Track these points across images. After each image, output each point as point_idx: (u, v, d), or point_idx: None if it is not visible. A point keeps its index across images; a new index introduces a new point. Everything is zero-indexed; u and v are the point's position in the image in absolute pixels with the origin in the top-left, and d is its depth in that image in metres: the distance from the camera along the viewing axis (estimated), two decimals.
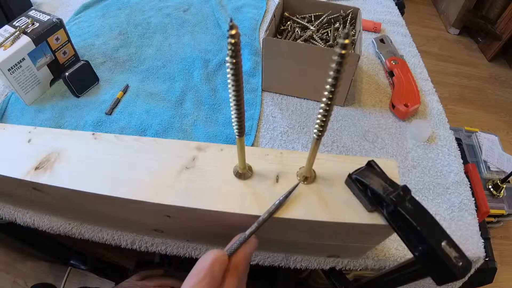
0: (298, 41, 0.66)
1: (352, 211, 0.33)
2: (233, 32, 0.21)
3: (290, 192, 0.33)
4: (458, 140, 0.63)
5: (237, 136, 0.30)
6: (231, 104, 0.27)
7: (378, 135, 0.61)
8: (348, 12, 0.69)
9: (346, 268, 0.48)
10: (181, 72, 0.70)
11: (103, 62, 0.71)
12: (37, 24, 0.59)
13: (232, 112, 0.28)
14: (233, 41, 0.22)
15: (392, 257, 0.47)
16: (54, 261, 0.98)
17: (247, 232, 0.32)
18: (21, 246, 0.89)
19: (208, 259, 0.28)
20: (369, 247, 0.45)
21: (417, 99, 0.64)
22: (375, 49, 0.77)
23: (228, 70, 0.24)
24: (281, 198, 0.33)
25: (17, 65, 0.57)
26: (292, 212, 0.33)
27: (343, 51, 0.22)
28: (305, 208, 0.33)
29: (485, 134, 1.18)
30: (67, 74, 0.61)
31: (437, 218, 0.43)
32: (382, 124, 0.63)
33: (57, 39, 0.61)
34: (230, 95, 0.26)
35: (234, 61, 0.23)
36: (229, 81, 0.25)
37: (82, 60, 0.64)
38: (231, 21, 0.21)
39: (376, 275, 0.37)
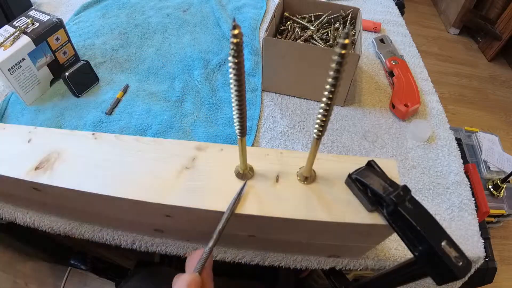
0: (298, 41, 0.66)
1: (352, 211, 0.33)
2: (236, 32, 0.21)
3: (239, 194, 0.33)
4: (458, 140, 0.64)
5: (238, 137, 0.30)
6: (233, 104, 0.27)
7: (378, 135, 0.61)
8: (348, 12, 0.69)
9: (346, 268, 0.48)
10: (181, 72, 0.70)
11: (103, 62, 0.71)
12: (37, 24, 0.59)
13: (234, 113, 0.28)
14: (235, 40, 0.22)
15: (392, 257, 0.47)
16: (54, 261, 0.98)
17: (209, 245, 0.31)
18: (21, 246, 0.89)
19: (184, 285, 0.29)
20: (369, 247, 0.45)
21: (417, 99, 0.64)
22: (375, 49, 0.77)
23: (230, 70, 0.24)
24: (230, 205, 0.32)
25: (17, 65, 0.57)
26: (292, 212, 0.33)
27: (343, 51, 0.22)
28: (305, 208, 0.33)
29: (485, 134, 1.18)
30: (67, 74, 0.61)
31: (437, 218, 0.43)
32: (382, 124, 0.63)
33: (57, 39, 0.61)
34: (232, 95, 0.26)
35: (236, 61, 0.23)
36: (231, 81, 0.25)
37: (82, 60, 0.64)
38: (234, 21, 0.21)
39: (376, 275, 0.37)
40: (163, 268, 0.65)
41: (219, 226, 0.32)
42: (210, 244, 0.31)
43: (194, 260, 0.32)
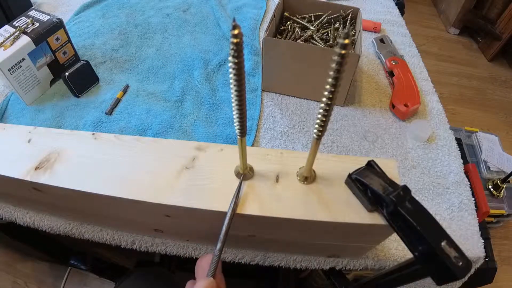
0: (298, 41, 0.66)
1: (352, 211, 0.33)
2: (236, 32, 0.21)
3: (238, 192, 0.33)
4: (458, 140, 0.64)
5: (238, 137, 0.30)
6: (233, 105, 0.27)
7: (378, 135, 0.61)
8: (348, 12, 0.69)
9: (346, 268, 0.48)
10: (181, 72, 0.70)
11: (103, 62, 0.71)
12: (37, 24, 0.59)
13: (234, 113, 0.28)
14: (235, 40, 0.22)
15: (392, 257, 0.47)
16: (54, 261, 0.98)
17: (218, 247, 0.31)
18: (21, 246, 0.89)
19: None
20: (369, 247, 0.45)
21: (417, 99, 0.64)
22: (375, 49, 0.77)
23: (230, 70, 0.24)
24: (231, 205, 0.32)
25: (17, 65, 0.57)
26: (292, 212, 0.33)
27: (343, 51, 0.22)
28: (305, 208, 0.33)
29: (485, 134, 1.18)
30: (67, 74, 0.61)
31: (437, 218, 0.43)
32: (382, 124, 0.63)
33: (57, 39, 0.61)
34: (232, 95, 0.26)
35: (236, 61, 0.23)
36: (231, 81, 0.25)
37: (82, 60, 0.64)
38: (234, 20, 0.21)
39: (376, 275, 0.37)
40: (159, 269, 0.65)
41: (224, 228, 0.31)
42: (218, 246, 0.31)
43: (204, 265, 0.32)
